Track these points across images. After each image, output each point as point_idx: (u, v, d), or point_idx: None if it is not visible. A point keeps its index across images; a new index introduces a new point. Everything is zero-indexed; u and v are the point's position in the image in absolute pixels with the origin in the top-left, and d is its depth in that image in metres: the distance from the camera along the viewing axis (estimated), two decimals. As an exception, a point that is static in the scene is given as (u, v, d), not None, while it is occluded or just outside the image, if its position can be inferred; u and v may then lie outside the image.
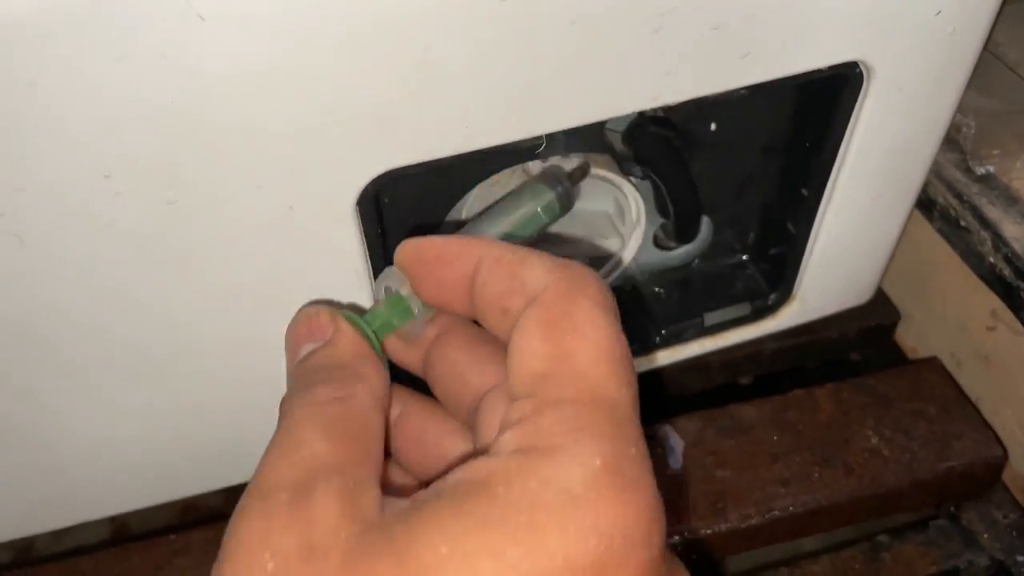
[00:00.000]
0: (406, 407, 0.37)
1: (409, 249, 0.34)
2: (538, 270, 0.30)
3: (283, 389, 0.44)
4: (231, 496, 0.63)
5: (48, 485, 0.45)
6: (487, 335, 0.34)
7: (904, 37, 0.41)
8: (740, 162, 0.51)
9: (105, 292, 0.36)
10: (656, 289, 0.57)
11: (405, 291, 0.34)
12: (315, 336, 0.33)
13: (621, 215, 0.52)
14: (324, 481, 0.26)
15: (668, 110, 0.46)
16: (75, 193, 0.32)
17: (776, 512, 0.52)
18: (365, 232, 0.39)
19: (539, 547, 0.24)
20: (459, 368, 0.35)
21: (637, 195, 0.50)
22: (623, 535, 0.24)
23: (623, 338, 0.28)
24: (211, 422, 0.44)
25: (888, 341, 0.67)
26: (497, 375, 0.32)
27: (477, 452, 0.29)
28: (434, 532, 0.24)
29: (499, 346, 0.31)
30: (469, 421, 0.33)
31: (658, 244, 0.56)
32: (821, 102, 0.45)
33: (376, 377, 0.32)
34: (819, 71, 0.41)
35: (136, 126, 0.31)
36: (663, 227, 0.55)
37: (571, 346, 0.28)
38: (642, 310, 0.56)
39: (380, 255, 0.41)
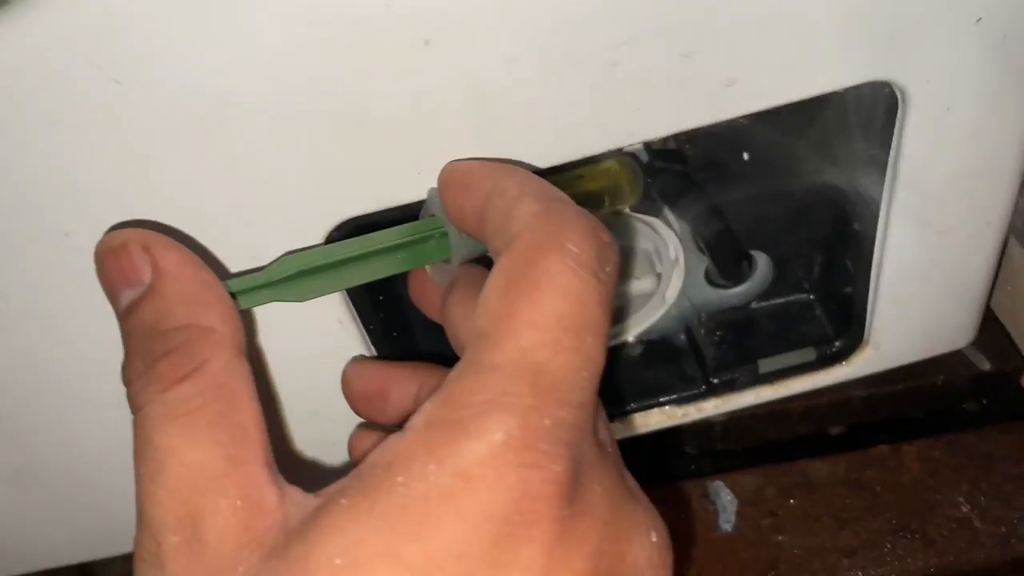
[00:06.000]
0: (424, 382, 0.35)
1: (444, 171, 0.32)
2: (523, 210, 0.27)
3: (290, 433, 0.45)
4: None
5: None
6: None
7: (938, 51, 0.35)
8: (785, 193, 0.46)
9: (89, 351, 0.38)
10: (714, 331, 0.52)
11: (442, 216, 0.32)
12: (131, 280, 0.28)
13: (659, 252, 0.48)
14: (211, 507, 0.25)
15: (683, 141, 0.43)
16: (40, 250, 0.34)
17: (838, 586, 0.46)
18: (342, 281, 0.38)
19: (433, 541, 0.22)
20: (454, 318, 0.33)
21: (672, 234, 0.47)
22: (521, 515, 0.22)
23: (591, 302, 0.25)
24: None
25: (1011, 389, 0.58)
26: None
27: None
28: (331, 543, 0.23)
29: None
30: None
31: (712, 281, 0.52)
32: (855, 126, 0.40)
33: (223, 323, 0.27)
34: (836, 94, 0.36)
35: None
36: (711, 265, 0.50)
37: (518, 304, 0.25)
38: (694, 354, 0.51)
39: (366, 301, 0.40)
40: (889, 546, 0.47)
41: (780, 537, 0.48)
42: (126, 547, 0.50)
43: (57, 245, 0.34)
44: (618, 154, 0.42)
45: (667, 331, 0.52)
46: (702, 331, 0.52)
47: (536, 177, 0.30)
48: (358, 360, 0.40)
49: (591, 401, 0.25)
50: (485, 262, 0.34)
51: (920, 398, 0.57)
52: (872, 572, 0.46)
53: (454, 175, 0.32)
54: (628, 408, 0.50)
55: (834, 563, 0.47)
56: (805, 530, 0.48)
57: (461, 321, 0.32)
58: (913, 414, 0.59)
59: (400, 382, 0.36)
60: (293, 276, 0.31)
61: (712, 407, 0.50)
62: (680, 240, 0.47)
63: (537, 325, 0.24)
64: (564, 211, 0.27)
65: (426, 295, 0.37)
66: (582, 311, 0.25)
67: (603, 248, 0.26)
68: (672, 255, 0.48)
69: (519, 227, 0.26)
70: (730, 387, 0.50)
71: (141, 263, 0.28)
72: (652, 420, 0.50)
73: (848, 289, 0.48)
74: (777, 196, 0.46)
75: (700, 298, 0.52)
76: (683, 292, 0.50)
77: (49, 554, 0.50)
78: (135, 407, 0.27)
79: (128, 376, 0.27)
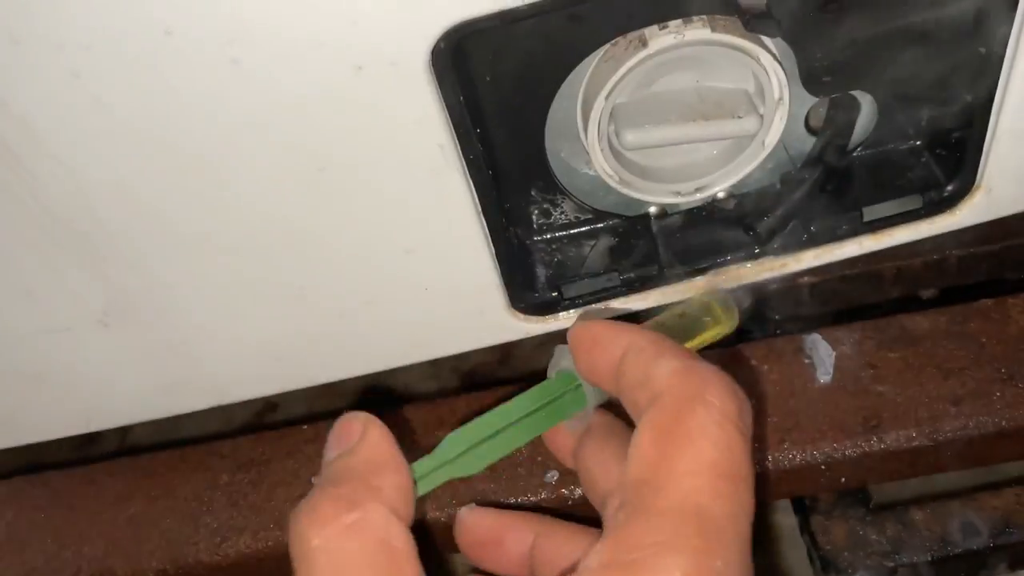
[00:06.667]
0: (541, 532, 0.38)
1: (574, 332, 0.35)
2: (664, 369, 0.30)
3: (380, 276, 0.44)
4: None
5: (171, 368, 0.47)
6: (627, 432, 0.34)
7: None
8: (900, 21, 0.43)
9: (185, 166, 0.36)
10: (811, 181, 0.50)
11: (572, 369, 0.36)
12: (342, 441, 0.32)
13: (761, 92, 0.46)
14: None
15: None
16: (137, 49, 0.32)
17: (945, 434, 0.45)
18: (445, 99, 0.36)
19: None
20: (590, 466, 0.37)
21: (777, 67, 0.44)
22: None
23: (738, 452, 0.28)
24: (309, 311, 0.44)
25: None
26: (619, 476, 0.32)
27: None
28: None
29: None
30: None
31: (811, 128, 0.49)
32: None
33: (393, 489, 0.30)
34: None
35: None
36: (816, 107, 0.48)
37: (673, 454, 0.28)
38: (791, 205, 0.49)
39: (468, 128, 0.38)
40: (998, 394, 0.45)
41: (881, 388, 0.47)
42: (215, 400, 0.50)
43: (157, 43, 0.32)
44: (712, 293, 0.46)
45: (762, 182, 0.50)
46: (801, 180, 0.49)
47: (666, 336, 0.33)
48: (472, 508, 0.42)
49: (749, 550, 0.27)
50: (613, 407, 0.36)
51: (1019, 258, 0.55)
52: (981, 420, 0.45)
53: (585, 334, 0.34)
54: (721, 260, 0.48)
55: (940, 411, 0.45)
56: (908, 380, 0.47)
57: (599, 470, 0.36)
58: (1010, 276, 0.56)
59: (515, 531, 0.39)
60: (463, 452, 0.35)
61: (812, 257, 0.48)
62: (786, 74, 0.44)
63: (695, 472, 0.27)
64: (704, 369, 0.30)
65: (558, 441, 0.40)
66: (732, 460, 0.27)
67: (742, 404, 0.29)
68: (776, 93, 0.45)
69: (662, 384, 0.29)
70: (832, 235, 0.48)
71: (355, 431, 0.31)
72: (746, 273, 0.48)
73: (962, 127, 0.45)
74: (895, 25, 0.43)
75: (797, 147, 0.50)
76: (780, 140, 0.48)
77: (138, 407, 0.49)
78: (296, 535, 0.28)
79: (299, 509, 0.29)
